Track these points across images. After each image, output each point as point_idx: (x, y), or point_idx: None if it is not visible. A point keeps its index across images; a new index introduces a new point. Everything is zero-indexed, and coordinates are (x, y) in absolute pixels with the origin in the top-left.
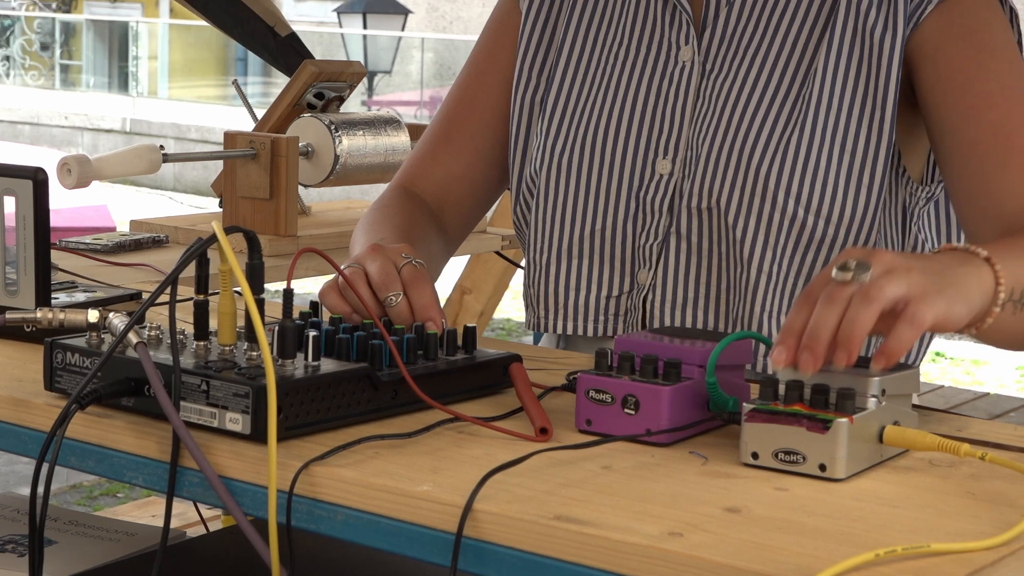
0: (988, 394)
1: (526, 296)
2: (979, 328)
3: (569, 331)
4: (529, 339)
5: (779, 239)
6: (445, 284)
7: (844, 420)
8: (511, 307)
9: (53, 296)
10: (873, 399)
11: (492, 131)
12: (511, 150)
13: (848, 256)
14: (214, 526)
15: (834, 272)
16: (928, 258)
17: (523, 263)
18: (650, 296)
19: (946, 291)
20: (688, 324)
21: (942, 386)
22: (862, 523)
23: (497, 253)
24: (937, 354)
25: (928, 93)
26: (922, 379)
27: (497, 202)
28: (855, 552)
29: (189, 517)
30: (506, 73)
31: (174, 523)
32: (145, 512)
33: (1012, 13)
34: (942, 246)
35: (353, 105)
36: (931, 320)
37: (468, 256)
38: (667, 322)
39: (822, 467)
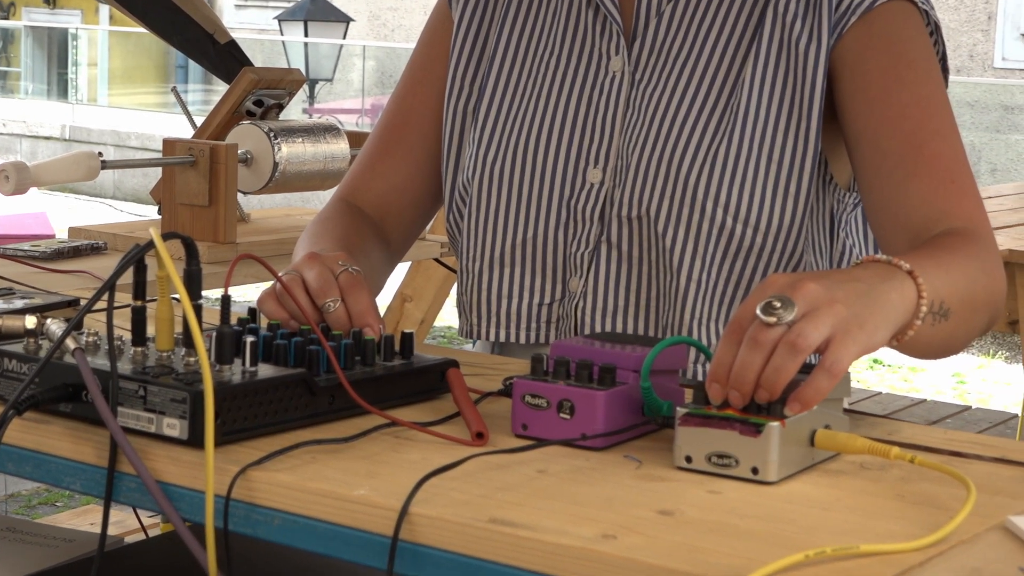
0: (925, 400)
1: (459, 304)
2: (900, 340)
3: (502, 338)
4: (470, 346)
5: (708, 248)
6: (386, 292)
7: (776, 424)
8: (452, 315)
9: None
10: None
11: (430, 141)
12: (444, 159)
13: (773, 287)
14: (154, 533)
15: (759, 311)
16: (853, 277)
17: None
18: (581, 303)
19: (868, 321)
20: (619, 330)
21: (880, 393)
22: (793, 525)
23: (436, 260)
24: (875, 361)
25: (847, 102)
26: (861, 386)
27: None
28: (786, 553)
29: (129, 525)
30: (441, 84)
31: (115, 531)
32: (84, 520)
33: (935, 27)
34: (864, 258)
35: (294, 113)
36: (849, 363)
37: (409, 264)
38: (598, 329)
39: (754, 470)
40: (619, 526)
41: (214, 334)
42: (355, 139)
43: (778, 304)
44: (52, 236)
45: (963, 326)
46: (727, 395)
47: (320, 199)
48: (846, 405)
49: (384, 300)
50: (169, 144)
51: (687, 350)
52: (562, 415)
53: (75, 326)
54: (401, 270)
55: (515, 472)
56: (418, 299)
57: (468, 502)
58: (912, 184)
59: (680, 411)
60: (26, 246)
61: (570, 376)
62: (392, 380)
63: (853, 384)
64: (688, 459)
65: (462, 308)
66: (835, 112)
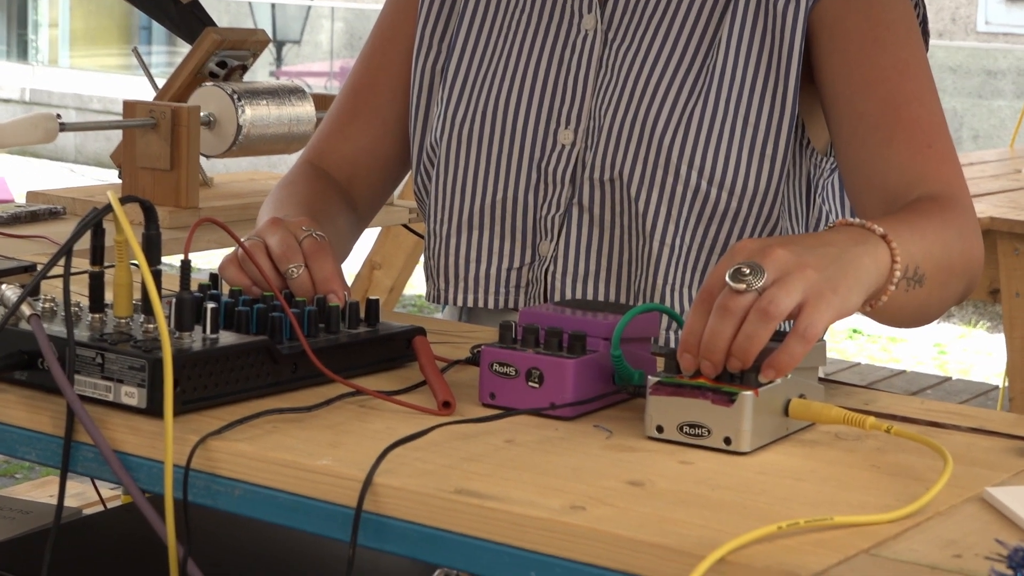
0: (905, 371)
1: (427, 268)
2: (873, 306)
3: (470, 303)
4: (440, 314)
5: (682, 211)
6: (355, 259)
7: (749, 393)
8: (423, 282)
9: None
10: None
11: (399, 103)
12: (411, 119)
13: (742, 253)
14: (113, 505)
15: (728, 278)
16: (824, 241)
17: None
18: (552, 268)
19: (841, 285)
20: (590, 296)
21: (859, 363)
22: (766, 496)
23: (405, 227)
24: (854, 331)
25: (824, 64)
26: (838, 356)
27: (407, 176)
28: (758, 525)
29: (88, 497)
30: (409, 43)
31: (73, 503)
32: (43, 492)
33: None
34: (837, 221)
35: (261, 76)
36: (823, 329)
37: (378, 230)
38: (569, 294)
39: (727, 440)
40: (588, 497)
41: (174, 300)
42: (321, 102)
43: (747, 271)
44: (10, 201)
45: (938, 293)
46: (699, 365)
47: (287, 163)
48: (821, 374)
49: (353, 267)
50: (130, 106)
51: (659, 317)
52: (531, 384)
53: (31, 292)
54: (370, 237)
55: (482, 442)
56: (387, 266)
57: (434, 472)
58: (889, 148)
59: (651, 380)
60: None
61: (539, 344)
62: (357, 348)
63: (831, 354)
64: (659, 429)
65: (429, 272)
66: (813, 75)
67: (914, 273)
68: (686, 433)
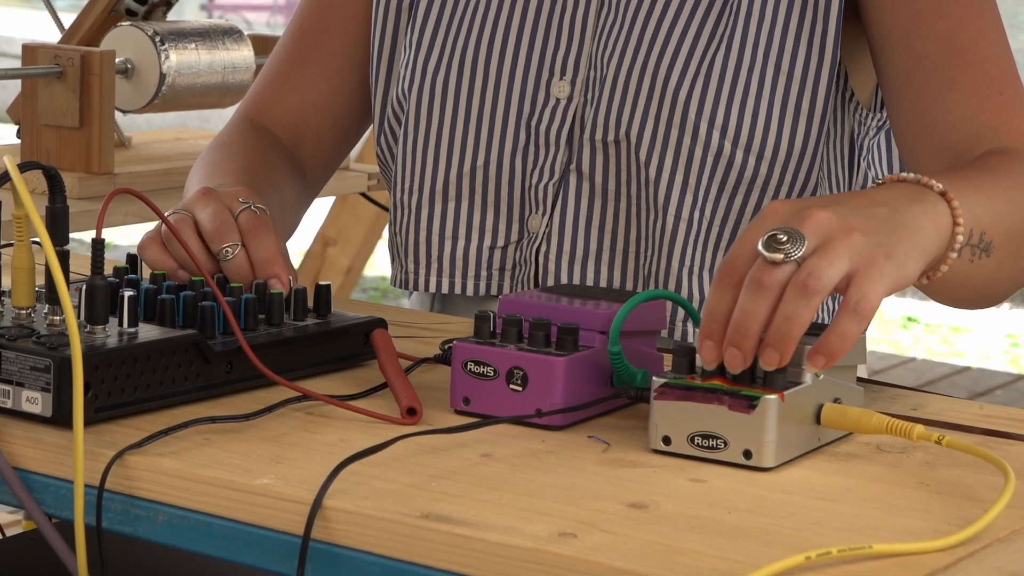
0: (970, 368)
1: (392, 246)
2: (931, 278)
3: (444, 289)
4: (407, 302)
5: (701, 179)
6: (303, 234)
7: (773, 397)
8: (386, 261)
9: None
10: (809, 371)
11: (356, 46)
12: (373, 68)
13: (775, 217)
14: (14, 532)
15: (761, 246)
16: (872, 200)
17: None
18: (544, 247)
19: (896, 250)
20: (590, 281)
21: (914, 358)
22: (792, 520)
23: (363, 195)
24: (909, 319)
25: None
26: (891, 350)
27: (366, 134)
28: (783, 554)
29: None
30: None
31: None
32: None
33: None
34: (887, 177)
35: (190, 12)
36: (879, 301)
37: (332, 200)
38: (564, 278)
39: (747, 454)
40: (580, 522)
41: (84, 287)
42: (262, 44)
43: (784, 237)
44: None
45: (1009, 265)
46: (723, 356)
47: (222, 119)
48: (861, 373)
49: (302, 244)
50: (30, 51)
51: (667, 307)
52: (512, 386)
53: None
54: (322, 208)
55: (454, 456)
56: (343, 242)
57: (396, 493)
58: (951, 95)
59: (657, 381)
60: None
61: (522, 338)
62: (304, 344)
63: (880, 347)
64: (666, 440)
65: (395, 252)
66: (857, 11)
67: (979, 239)
68: (698, 445)
